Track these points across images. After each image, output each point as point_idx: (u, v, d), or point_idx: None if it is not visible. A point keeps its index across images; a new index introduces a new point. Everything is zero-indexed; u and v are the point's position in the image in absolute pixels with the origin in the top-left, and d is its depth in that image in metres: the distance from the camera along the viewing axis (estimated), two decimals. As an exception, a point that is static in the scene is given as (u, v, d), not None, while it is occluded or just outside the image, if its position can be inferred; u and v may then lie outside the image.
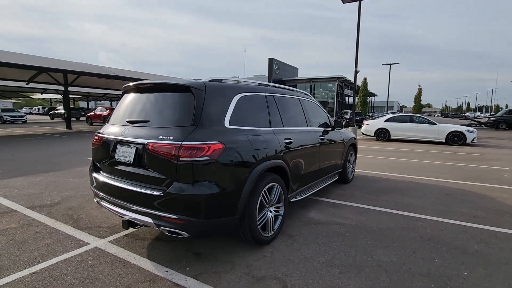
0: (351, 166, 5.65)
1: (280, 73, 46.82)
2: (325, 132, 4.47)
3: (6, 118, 26.29)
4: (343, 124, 4.90)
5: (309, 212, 3.95)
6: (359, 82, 47.12)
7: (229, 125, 2.66)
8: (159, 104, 2.70)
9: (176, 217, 2.28)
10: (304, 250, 2.87)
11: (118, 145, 2.72)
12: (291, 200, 3.52)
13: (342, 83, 45.69)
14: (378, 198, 4.59)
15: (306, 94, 4.49)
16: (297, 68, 51.60)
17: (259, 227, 2.80)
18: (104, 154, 2.90)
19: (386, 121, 14.03)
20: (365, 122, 15.06)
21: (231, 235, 2.99)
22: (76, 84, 21.14)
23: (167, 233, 2.38)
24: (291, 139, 3.40)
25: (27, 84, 22.07)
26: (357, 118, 24.07)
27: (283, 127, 3.44)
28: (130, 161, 2.58)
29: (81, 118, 33.22)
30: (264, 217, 2.91)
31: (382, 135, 14.02)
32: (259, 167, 2.76)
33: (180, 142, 2.28)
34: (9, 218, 3.62)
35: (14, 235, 3.15)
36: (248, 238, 2.77)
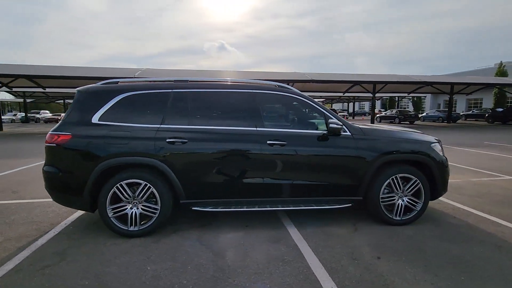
0: (403, 199, 3.32)
1: None
2: (299, 138, 3.23)
3: None
4: (338, 129, 3.11)
5: (228, 234, 3.18)
6: None
7: (98, 120, 3.09)
8: None
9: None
10: (118, 256, 2.71)
11: None
12: (194, 208, 3.15)
13: None
14: (371, 262, 2.59)
15: (283, 87, 3.42)
16: None
17: (111, 217, 3.01)
18: None
19: None
20: None
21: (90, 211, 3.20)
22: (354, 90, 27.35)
23: None
24: (183, 138, 3.06)
25: (343, 93, 31.03)
26: None
27: (187, 125, 3.14)
28: None
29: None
30: (122, 210, 3.03)
31: None
32: (110, 161, 2.96)
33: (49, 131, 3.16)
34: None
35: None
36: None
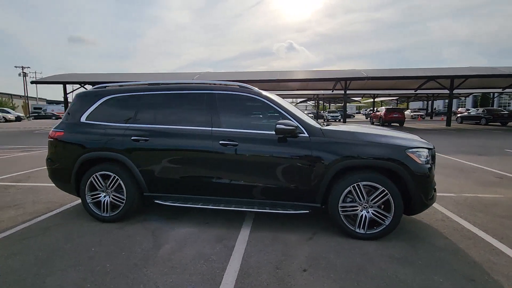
0: (367, 211, 2.94)
1: None
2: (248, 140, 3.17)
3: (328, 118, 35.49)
4: (287, 130, 2.94)
5: (183, 229, 3.33)
6: None
7: (86, 120, 3.63)
8: None
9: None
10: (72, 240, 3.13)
11: None
12: (157, 201, 3.43)
13: None
14: (291, 274, 2.43)
15: (243, 88, 3.40)
16: None
17: (89, 203, 3.50)
18: None
19: None
20: None
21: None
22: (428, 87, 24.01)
23: None
24: (145, 137, 3.34)
25: (415, 91, 27.47)
26: None
27: (150, 125, 3.42)
28: None
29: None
30: (97, 197, 3.50)
31: None
32: (88, 154, 3.45)
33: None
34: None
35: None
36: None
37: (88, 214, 3.60)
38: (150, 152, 3.36)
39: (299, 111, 3.81)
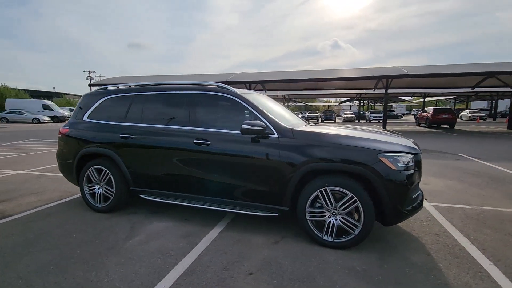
0: (336, 218, 2.75)
1: None
2: (217, 138, 3.22)
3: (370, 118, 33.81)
4: (252, 130, 2.90)
5: (161, 223, 3.48)
6: None
7: (87, 118, 4.00)
8: None
9: None
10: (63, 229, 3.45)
11: None
12: (141, 196, 3.65)
13: None
14: (235, 276, 2.39)
15: (222, 88, 3.42)
16: None
17: (86, 193, 3.86)
18: None
19: None
20: None
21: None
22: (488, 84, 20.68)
23: None
24: (131, 135, 3.57)
25: (472, 89, 23.50)
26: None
27: (135, 123, 3.64)
28: None
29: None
30: (92, 189, 3.84)
31: None
32: (85, 149, 3.81)
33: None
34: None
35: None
36: None
37: (85, 204, 3.97)
38: (135, 149, 3.58)
39: (282, 111, 3.73)
